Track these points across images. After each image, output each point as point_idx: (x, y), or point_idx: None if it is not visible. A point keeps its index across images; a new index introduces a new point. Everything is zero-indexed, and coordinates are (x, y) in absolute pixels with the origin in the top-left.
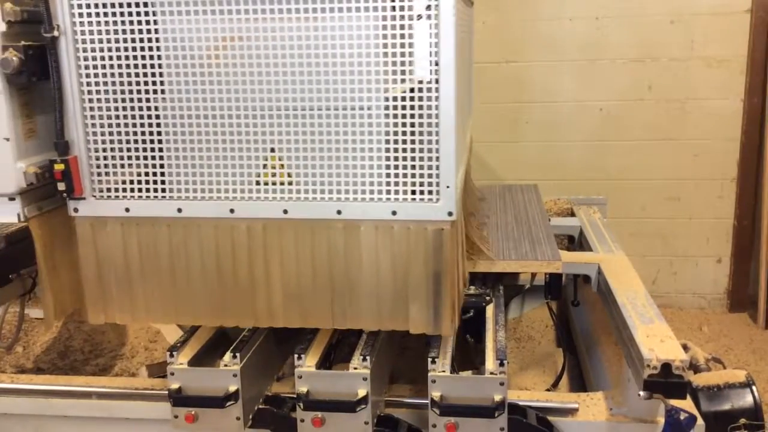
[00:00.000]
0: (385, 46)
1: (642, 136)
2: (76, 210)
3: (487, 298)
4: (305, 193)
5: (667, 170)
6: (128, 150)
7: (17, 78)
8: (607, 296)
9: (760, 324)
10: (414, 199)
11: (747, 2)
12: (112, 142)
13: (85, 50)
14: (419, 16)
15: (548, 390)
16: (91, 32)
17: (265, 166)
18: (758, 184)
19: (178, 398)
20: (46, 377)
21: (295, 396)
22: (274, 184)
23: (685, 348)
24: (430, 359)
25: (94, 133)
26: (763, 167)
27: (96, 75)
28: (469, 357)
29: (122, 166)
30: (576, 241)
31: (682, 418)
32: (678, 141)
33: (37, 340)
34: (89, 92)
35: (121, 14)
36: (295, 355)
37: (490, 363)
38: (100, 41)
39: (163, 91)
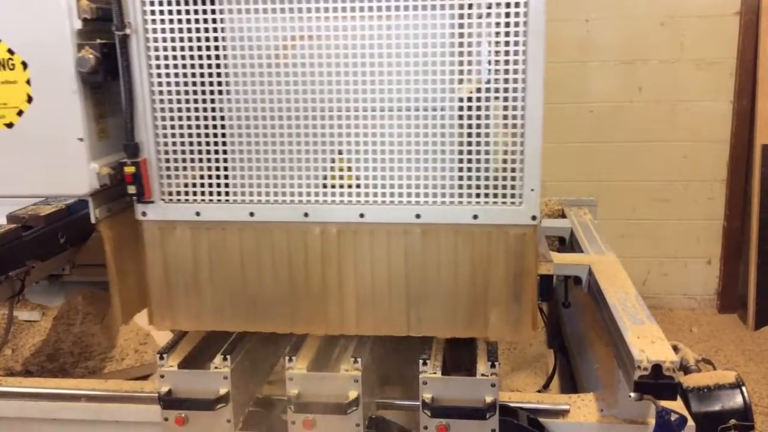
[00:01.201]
0: (461, 44)
1: (632, 138)
2: (144, 214)
3: None
4: (382, 196)
5: (657, 172)
6: (199, 153)
7: (92, 77)
8: (598, 297)
9: (750, 325)
10: (496, 203)
11: (736, 4)
12: (182, 144)
13: (156, 49)
14: (507, 14)
15: (539, 391)
16: (163, 30)
17: (333, 168)
18: (747, 186)
19: (168, 401)
20: (35, 380)
21: (286, 398)
22: (350, 186)
23: (676, 349)
24: (421, 361)
25: (164, 135)
26: (753, 169)
27: (167, 75)
28: (460, 359)
29: (192, 169)
30: (567, 243)
31: (672, 419)
32: (668, 143)
33: (26, 343)
34: (160, 92)
35: (188, 12)
36: (286, 357)
37: (482, 364)
38: (173, 40)
39: (230, 92)
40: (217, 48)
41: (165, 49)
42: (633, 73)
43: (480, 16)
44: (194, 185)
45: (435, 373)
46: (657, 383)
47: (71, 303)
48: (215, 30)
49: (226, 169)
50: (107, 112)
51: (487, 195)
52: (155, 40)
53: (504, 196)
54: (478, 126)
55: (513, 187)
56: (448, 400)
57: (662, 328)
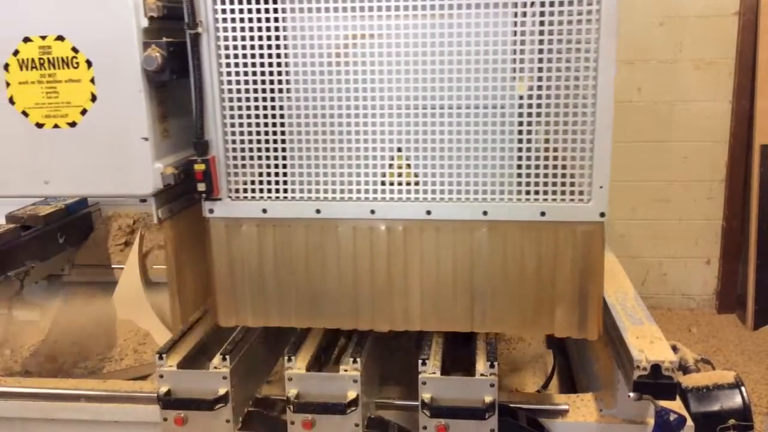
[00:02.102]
0: (523, 42)
1: (631, 138)
2: (211, 211)
3: None
4: (449, 193)
5: (656, 172)
6: (266, 150)
7: (158, 76)
8: None
9: (749, 325)
10: (564, 200)
11: (735, 4)
12: (250, 142)
13: (226, 47)
14: (580, 11)
15: (539, 391)
16: (233, 29)
17: (391, 166)
18: (747, 186)
19: (168, 401)
20: (33, 380)
21: (285, 398)
22: (409, 184)
23: (675, 349)
24: (420, 361)
25: (232, 133)
26: (752, 169)
27: (237, 73)
28: (459, 359)
29: (258, 167)
30: None
31: (671, 419)
32: (667, 143)
33: (25, 343)
34: (229, 91)
35: (258, 11)
36: (285, 357)
37: (481, 364)
38: (242, 38)
39: (293, 90)
40: (279, 47)
41: (235, 47)
42: (632, 73)
43: (544, 14)
44: (261, 183)
45: (434, 373)
46: (656, 383)
47: (70, 303)
48: (279, 29)
49: (292, 166)
50: (169, 112)
51: (554, 192)
52: (225, 38)
53: (572, 193)
54: (547, 123)
55: (581, 184)
56: (447, 400)
57: (661, 328)
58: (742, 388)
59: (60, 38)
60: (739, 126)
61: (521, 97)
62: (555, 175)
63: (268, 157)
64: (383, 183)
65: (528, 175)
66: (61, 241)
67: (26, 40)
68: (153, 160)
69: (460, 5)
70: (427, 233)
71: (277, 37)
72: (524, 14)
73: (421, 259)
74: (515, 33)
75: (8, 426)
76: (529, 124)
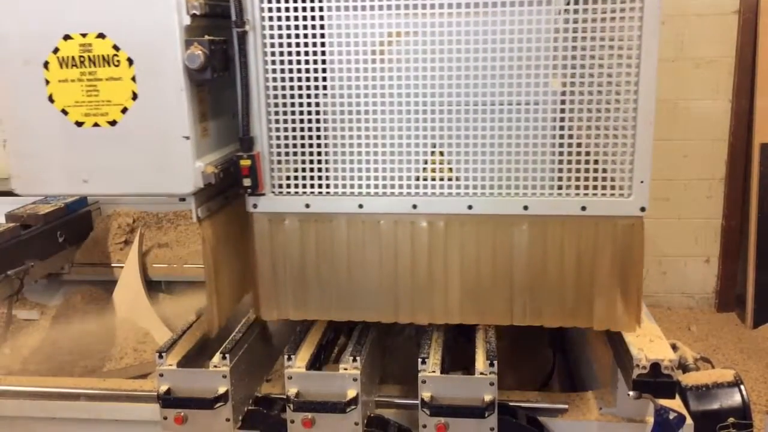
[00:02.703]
0: (565, 39)
1: None
2: (255, 206)
3: None
4: (491, 188)
5: (656, 170)
6: (310, 146)
7: (200, 74)
8: None
9: (748, 323)
10: (605, 195)
11: (735, 3)
12: (294, 138)
13: (272, 45)
14: (623, 9)
15: (538, 390)
16: (279, 27)
17: (429, 162)
18: (746, 184)
19: (167, 400)
20: (33, 379)
21: (285, 397)
22: (449, 179)
23: (674, 348)
24: (420, 360)
25: (277, 129)
26: (751, 167)
27: (282, 71)
28: (459, 357)
29: (302, 162)
30: None
31: (671, 417)
32: (667, 141)
33: (25, 342)
34: (274, 88)
35: (303, 9)
36: (285, 356)
37: (480, 363)
38: (288, 36)
39: (335, 87)
40: (321, 44)
41: (280, 45)
42: None
43: (587, 11)
44: (304, 178)
45: (434, 371)
46: (655, 382)
47: (70, 302)
48: (321, 27)
49: (335, 162)
50: (208, 110)
51: (595, 187)
52: (271, 36)
53: (613, 188)
54: (589, 119)
55: (622, 179)
56: (447, 399)
57: (660, 326)
58: (742, 387)
59: (101, 36)
60: (739, 125)
61: (563, 93)
62: (596, 170)
63: (311, 153)
64: (424, 178)
65: (569, 171)
66: (61, 240)
67: (66, 37)
68: (194, 159)
69: (502, 2)
70: (468, 227)
71: (320, 35)
72: (566, 11)
73: (462, 253)
74: (557, 30)
75: (8, 425)
76: (571, 120)
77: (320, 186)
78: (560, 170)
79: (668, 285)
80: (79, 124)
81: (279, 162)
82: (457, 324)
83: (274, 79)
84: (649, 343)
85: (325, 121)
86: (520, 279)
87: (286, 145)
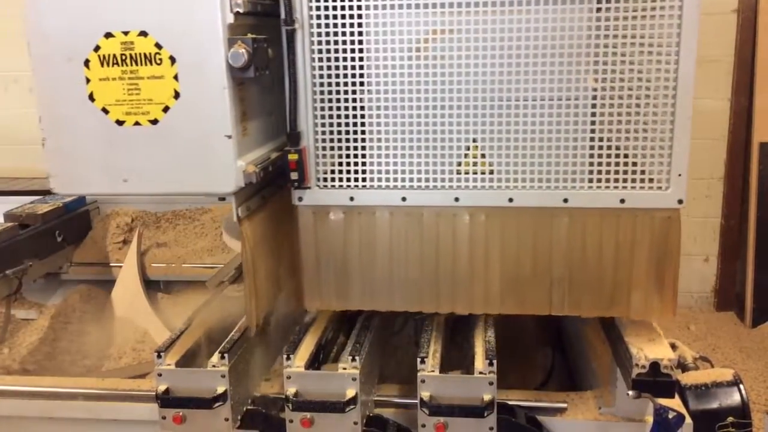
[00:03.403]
0: (606, 36)
1: None
2: (300, 199)
3: None
4: (531, 182)
5: None
6: (354, 141)
7: (243, 73)
8: None
9: (747, 323)
10: (643, 187)
11: (734, 2)
12: (339, 133)
13: (320, 43)
14: (662, 7)
15: (537, 389)
16: (326, 25)
17: (467, 156)
18: (745, 183)
19: (166, 399)
20: (32, 378)
21: (283, 396)
22: (491, 173)
23: (673, 347)
24: (419, 359)
25: (322, 125)
26: (750, 166)
27: (328, 68)
28: (458, 357)
29: (347, 156)
30: None
31: (670, 416)
32: None
33: (23, 341)
34: (321, 84)
35: (350, 8)
36: (284, 356)
37: (480, 363)
38: (335, 34)
39: (380, 83)
40: (364, 41)
41: (327, 42)
42: None
43: (628, 9)
44: (348, 172)
45: (433, 371)
46: (655, 381)
47: (69, 301)
48: (363, 24)
49: (378, 156)
50: (248, 109)
51: (634, 180)
52: (318, 34)
53: (651, 180)
54: (628, 114)
55: (661, 172)
56: (446, 398)
57: (659, 325)
58: (741, 386)
59: (143, 34)
60: (738, 123)
61: (603, 89)
62: (635, 164)
63: (355, 148)
64: (459, 172)
65: (608, 164)
66: (60, 239)
67: (108, 35)
68: (235, 158)
69: (536, 1)
70: (509, 220)
71: (363, 33)
72: (607, 9)
73: (502, 244)
74: (596, 26)
75: (6, 424)
76: (611, 115)
77: (364, 179)
78: (599, 164)
79: None
80: (119, 122)
81: (324, 156)
82: (456, 324)
83: (320, 76)
84: (648, 343)
85: (369, 116)
86: (559, 270)
87: (331, 140)
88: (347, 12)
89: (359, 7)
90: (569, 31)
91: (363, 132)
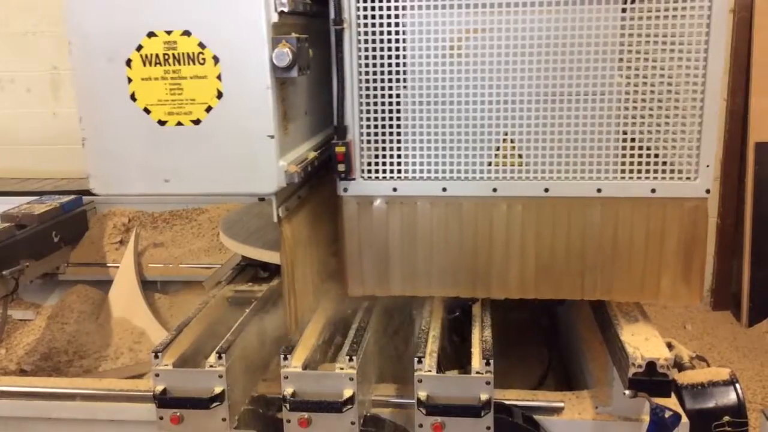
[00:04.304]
0: (638, 35)
1: None
2: (345, 190)
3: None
4: (566, 173)
5: None
6: (397, 134)
7: (286, 72)
8: None
9: (743, 322)
10: (673, 178)
11: (729, 2)
12: (383, 127)
13: (366, 41)
14: (692, 7)
15: (534, 389)
16: (372, 24)
17: (500, 149)
18: (741, 183)
19: (163, 400)
20: (29, 379)
21: (281, 396)
22: (535, 164)
23: (670, 346)
24: (416, 359)
25: (367, 119)
26: (746, 166)
27: (374, 65)
28: (455, 356)
29: (390, 149)
30: None
31: (666, 416)
32: None
33: (21, 342)
34: (366, 81)
35: (396, 8)
36: (282, 356)
37: (477, 362)
38: (381, 33)
39: (419, 79)
40: (407, 40)
41: (373, 41)
42: None
43: (660, 10)
44: (391, 164)
45: (430, 371)
46: (651, 380)
47: (66, 302)
48: (407, 24)
49: (420, 149)
50: (288, 109)
51: (664, 171)
52: (365, 33)
53: (680, 171)
54: (659, 108)
55: (689, 163)
56: (443, 398)
57: (656, 325)
58: (737, 385)
59: (186, 33)
60: (734, 124)
61: (635, 85)
62: (665, 155)
63: (398, 141)
64: (497, 164)
65: (640, 156)
66: (56, 239)
67: (150, 35)
68: (278, 158)
69: (566, 1)
70: (545, 209)
71: (405, 32)
72: (639, 9)
73: (537, 232)
74: (627, 27)
75: (4, 425)
76: (643, 109)
77: (406, 171)
78: (631, 155)
79: None
80: (161, 123)
81: (368, 149)
82: (455, 323)
83: (366, 72)
84: (644, 342)
85: (410, 110)
86: (591, 257)
87: (375, 133)
88: (392, 12)
89: (402, 8)
90: (599, 30)
91: (407, 126)
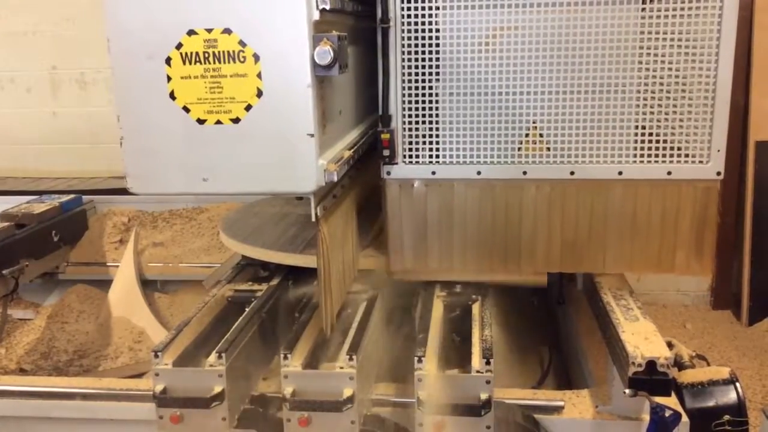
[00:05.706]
0: (657, 32)
1: None
2: (388, 173)
3: (474, 296)
4: (590, 157)
5: None
6: (436, 123)
7: (327, 70)
8: (592, 294)
9: (743, 321)
10: (687, 162)
11: None
12: (424, 116)
13: (409, 38)
14: (705, 7)
15: (534, 388)
16: (416, 23)
17: (527, 136)
18: (742, 182)
19: (163, 399)
20: (29, 378)
21: (281, 396)
22: (548, 150)
23: (670, 345)
24: (416, 358)
25: (409, 108)
26: (746, 165)
27: (415, 60)
28: (455, 355)
29: (429, 136)
30: None
31: (667, 415)
32: None
33: (20, 341)
34: (408, 74)
35: (436, 8)
36: (281, 355)
37: (477, 361)
38: (422, 30)
39: (456, 72)
40: (441, 37)
41: (415, 38)
42: None
43: (675, 8)
44: (430, 150)
45: (430, 370)
46: (651, 379)
47: (65, 301)
48: (445, 22)
49: (457, 135)
50: (327, 107)
51: (680, 155)
52: (409, 31)
53: (694, 155)
54: (675, 98)
55: (702, 148)
56: (443, 397)
57: (656, 324)
58: (737, 384)
59: (227, 31)
60: (734, 122)
61: (653, 78)
62: (680, 141)
63: (437, 128)
64: (526, 149)
65: (657, 141)
66: (56, 239)
67: (191, 33)
68: (317, 157)
69: (589, 2)
70: (570, 190)
71: (441, 29)
72: (657, 9)
73: (563, 211)
74: (644, 24)
75: (3, 424)
76: (660, 98)
77: (444, 156)
78: (650, 141)
79: (663, 283)
80: (200, 121)
81: (410, 136)
82: (454, 323)
83: (409, 66)
84: (644, 341)
85: (448, 101)
86: (612, 234)
87: (416, 122)
88: (432, 11)
89: (440, 8)
90: (619, 27)
91: (445, 115)
